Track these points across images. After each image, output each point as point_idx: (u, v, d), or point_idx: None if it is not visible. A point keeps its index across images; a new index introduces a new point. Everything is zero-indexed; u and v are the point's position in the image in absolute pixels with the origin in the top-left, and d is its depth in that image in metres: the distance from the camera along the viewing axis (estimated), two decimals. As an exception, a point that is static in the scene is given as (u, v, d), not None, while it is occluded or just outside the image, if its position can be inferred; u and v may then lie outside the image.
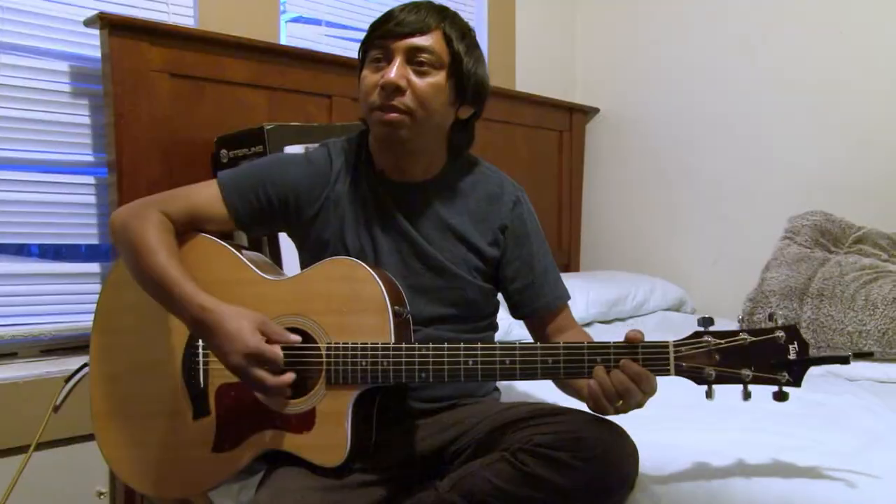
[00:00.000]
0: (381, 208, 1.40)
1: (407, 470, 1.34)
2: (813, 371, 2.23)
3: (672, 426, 1.55)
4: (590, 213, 3.61)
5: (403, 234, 1.39)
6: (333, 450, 1.23)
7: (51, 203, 2.16)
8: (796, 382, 1.17)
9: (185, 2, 2.39)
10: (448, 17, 1.36)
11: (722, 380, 1.17)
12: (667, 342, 1.19)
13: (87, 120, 2.21)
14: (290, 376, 1.21)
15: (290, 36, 2.68)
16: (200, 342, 1.32)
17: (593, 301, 2.73)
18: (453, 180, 1.45)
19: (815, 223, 2.52)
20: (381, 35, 1.32)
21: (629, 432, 1.22)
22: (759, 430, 1.53)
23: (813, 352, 1.17)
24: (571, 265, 3.56)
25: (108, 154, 2.15)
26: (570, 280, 2.81)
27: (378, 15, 1.38)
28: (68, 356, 2.11)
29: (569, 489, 1.14)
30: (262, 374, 1.18)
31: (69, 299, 2.18)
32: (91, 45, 2.15)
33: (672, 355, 1.18)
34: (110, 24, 2.06)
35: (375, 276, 1.26)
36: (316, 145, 1.50)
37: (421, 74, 1.31)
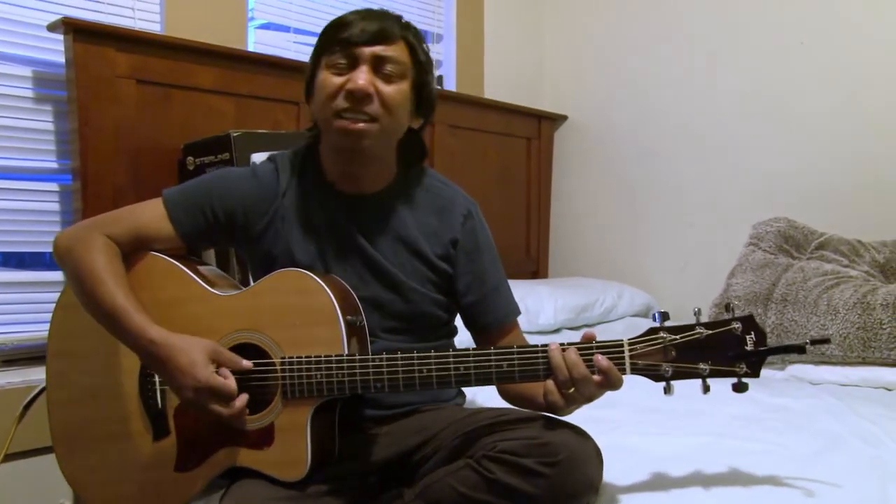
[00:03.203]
0: (331, 221, 1.38)
1: (372, 478, 1.33)
2: (776, 375, 2.29)
3: (635, 431, 1.56)
4: (558, 220, 3.63)
5: (355, 247, 1.37)
6: (294, 465, 1.22)
7: (14, 210, 2.12)
8: (754, 373, 1.17)
9: (151, 7, 2.37)
10: (409, 28, 1.34)
11: (679, 375, 1.17)
12: (621, 340, 1.18)
13: (50, 126, 2.17)
14: (243, 400, 1.21)
15: (257, 43, 2.67)
16: None
17: (561, 308, 2.75)
18: (404, 192, 1.43)
19: (778, 230, 2.57)
20: (346, 40, 1.28)
21: (591, 437, 1.22)
22: (722, 434, 1.55)
23: (771, 341, 1.18)
24: (540, 272, 3.58)
25: (72, 161, 2.12)
26: (538, 287, 2.87)
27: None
28: (31, 366, 2.07)
29: (534, 495, 1.14)
30: (215, 407, 1.19)
31: (32, 308, 2.14)
32: (55, 50, 2.12)
33: (627, 354, 1.17)
34: (74, 30, 2.03)
35: (325, 286, 1.24)
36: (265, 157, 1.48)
37: (388, 82, 1.29)
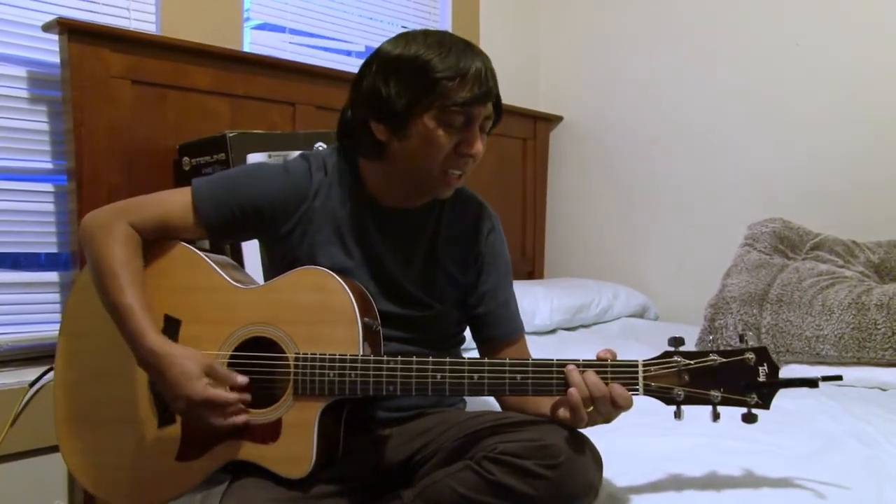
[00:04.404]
0: (361, 231, 1.37)
1: (374, 480, 1.33)
2: (772, 376, 2.27)
3: (633, 432, 1.56)
4: (554, 221, 3.63)
5: (381, 260, 1.37)
6: (298, 462, 1.22)
7: (8, 211, 2.11)
8: (765, 405, 1.18)
9: (146, 8, 2.36)
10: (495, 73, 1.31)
11: (690, 401, 1.18)
12: (636, 361, 1.19)
13: (45, 126, 2.17)
14: (243, 399, 1.22)
15: (253, 43, 2.66)
16: None
17: (557, 308, 2.75)
18: (437, 208, 1.43)
19: (774, 230, 2.57)
20: (466, 104, 1.25)
21: (590, 440, 1.22)
22: (718, 434, 1.54)
23: (783, 372, 1.19)
24: (535, 272, 3.58)
25: (67, 161, 2.12)
26: (533, 287, 2.87)
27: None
28: (26, 367, 2.07)
29: (534, 497, 1.14)
30: (213, 418, 1.20)
31: (27, 309, 2.14)
32: (50, 50, 2.11)
33: (641, 375, 1.18)
34: (69, 30, 2.03)
35: (346, 287, 1.25)
36: (293, 154, 1.47)
37: (482, 139, 1.30)
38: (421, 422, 1.39)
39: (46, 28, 2.06)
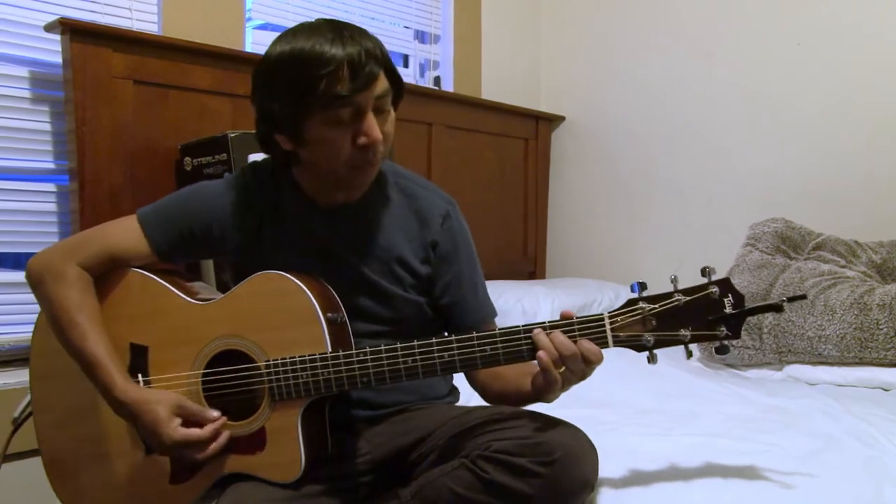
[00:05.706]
0: (310, 233, 1.36)
1: (368, 477, 1.34)
2: (773, 376, 2.29)
3: (632, 432, 1.56)
4: (555, 221, 3.63)
5: (336, 258, 1.36)
6: (289, 466, 1.22)
7: (10, 211, 2.12)
8: (735, 334, 1.17)
9: (148, 8, 2.37)
10: (378, 44, 1.24)
11: (661, 344, 1.17)
12: (602, 315, 1.18)
13: (47, 126, 2.17)
14: (216, 435, 1.23)
15: (255, 43, 2.67)
16: (140, 376, 1.30)
17: (558, 308, 2.75)
18: (381, 198, 1.40)
19: (776, 230, 2.57)
20: (346, 95, 1.19)
21: (586, 435, 1.21)
22: (717, 434, 1.55)
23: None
24: (537, 272, 3.58)
25: (69, 161, 2.12)
26: (535, 287, 2.88)
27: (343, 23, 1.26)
28: (27, 367, 2.06)
29: (530, 495, 1.14)
30: (190, 456, 1.22)
31: (29, 309, 2.14)
32: (52, 50, 2.12)
33: (608, 327, 1.17)
34: (71, 30, 2.03)
35: (303, 286, 1.24)
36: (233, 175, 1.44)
37: (385, 116, 1.25)
38: (409, 417, 1.38)
39: (48, 28, 2.07)
